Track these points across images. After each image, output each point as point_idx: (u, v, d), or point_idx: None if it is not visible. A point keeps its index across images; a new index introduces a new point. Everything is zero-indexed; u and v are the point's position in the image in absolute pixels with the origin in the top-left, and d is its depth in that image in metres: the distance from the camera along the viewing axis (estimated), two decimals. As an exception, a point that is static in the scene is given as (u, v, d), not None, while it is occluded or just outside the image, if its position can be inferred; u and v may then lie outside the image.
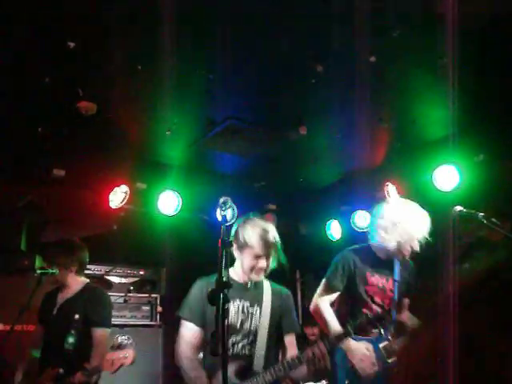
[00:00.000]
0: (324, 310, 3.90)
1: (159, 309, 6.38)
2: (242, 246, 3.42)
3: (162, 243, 6.25)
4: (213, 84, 4.54)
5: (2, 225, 5.79)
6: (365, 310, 3.86)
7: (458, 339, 4.08)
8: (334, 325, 3.81)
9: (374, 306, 3.93)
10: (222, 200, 3.04)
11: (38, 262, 5.64)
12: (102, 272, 6.23)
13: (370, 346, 3.77)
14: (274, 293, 3.48)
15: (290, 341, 3.49)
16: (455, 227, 4.37)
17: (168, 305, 6.43)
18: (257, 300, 3.41)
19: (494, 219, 3.59)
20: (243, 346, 3.27)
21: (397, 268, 4.08)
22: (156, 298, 6.44)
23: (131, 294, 6.30)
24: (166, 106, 4.82)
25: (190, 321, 3.35)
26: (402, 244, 3.91)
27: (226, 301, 2.42)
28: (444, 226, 4.79)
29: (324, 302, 3.93)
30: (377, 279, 4.01)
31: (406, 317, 4.16)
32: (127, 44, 3.99)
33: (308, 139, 5.49)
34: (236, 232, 3.48)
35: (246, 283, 3.45)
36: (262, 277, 3.44)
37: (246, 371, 3.17)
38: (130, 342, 3.96)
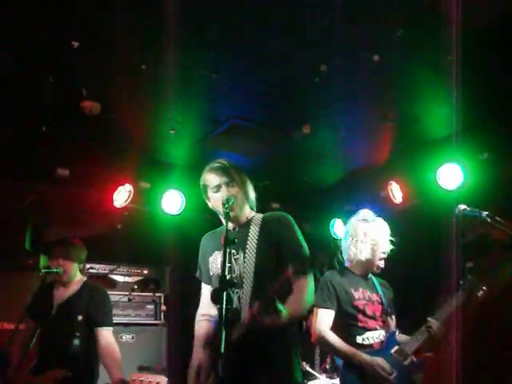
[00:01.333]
0: (327, 337, 3.80)
1: (163, 307, 6.39)
2: (204, 190, 3.30)
3: (166, 242, 6.25)
4: (216, 83, 4.55)
5: (6, 224, 5.80)
6: (360, 324, 3.85)
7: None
8: (342, 346, 3.77)
9: (368, 320, 3.89)
10: (224, 198, 3.04)
11: (42, 261, 5.65)
12: (106, 271, 6.24)
13: (381, 358, 3.72)
14: (263, 228, 3.14)
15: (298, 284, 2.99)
16: (459, 226, 4.37)
17: (172, 303, 6.44)
18: (241, 245, 3.08)
19: (498, 218, 3.58)
20: (238, 298, 3.00)
21: (377, 284, 4.10)
22: (160, 297, 6.45)
23: (135, 293, 6.32)
24: (169, 106, 4.83)
25: (201, 279, 3.39)
26: (372, 253, 3.95)
27: (230, 300, 2.41)
28: (448, 225, 4.79)
29: (324, 328, 3.81)
30: (362, 292, 3.96)
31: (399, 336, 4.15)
32: (131, 43, 3.99)
33: (311, 138, 5.49)
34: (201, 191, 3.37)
35: (233, 229, 3.21)
36: (238, 211, 3.15)
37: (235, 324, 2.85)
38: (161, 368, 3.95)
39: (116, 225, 6.32)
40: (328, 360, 6.31)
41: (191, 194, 6.17)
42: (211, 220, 3.66)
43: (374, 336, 3.88)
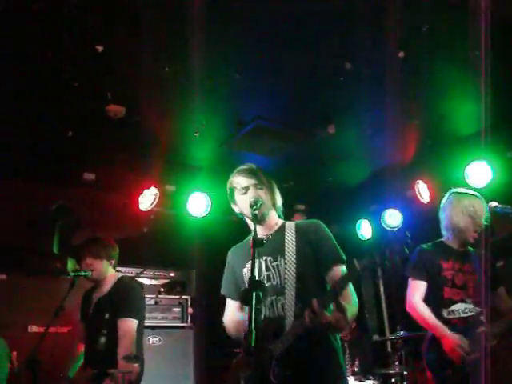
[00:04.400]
0: (418, 307, 4.00)
1: (190, 310, 6.39)
2: (231, 193, 3.22)
3: (192, 245, 6.27)
4: (240, 84, 4.54)
5: (34, 228, 5.86)
6: (446, 296, 3.98)
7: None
8: (428, 318, 3.93)
9: (456, 290, 4.00)
10: (252, 200, 3.01)
11: (70, 265, 5.70)
12: (133, 274, 6.26)
13: (461, 337, 3.80)
14: (298, 232, 3.10)
15: (335, 275, 2.93)
16: (489, 223, 4.33)
17: (198, 306, 6.44)
18: (278, 251, 3.04)
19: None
20: (282, 305, 2.91)
21: (473, 256, 4.16)
22: (187, 300, 6.45)
23: (162, 296, 6.32)
24: (193, 108, 4.83)
25: (228, 296, 3.29)
26: (469, 224, 4.08)
27: (259, 301, 2.37)
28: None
29: (416, 299, 4.02)
30: (451, 263, 4.08)
31: (502, 300, 4.18)
32: (155, 46, 4.00)
33: (337, 138, 5.45)
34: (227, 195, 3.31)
35: (267, 236, 3.10)
36: (265, 212, 3.09)
37: (277, 332, 2.83)
38: (138, 356, 3.93)
39: (142, 228, 6.35)
40: (357, 363, 6.27)
41: (217, 196, 6.17)
42: (237, 222, 3.64)
43: (460, 309, 3.95)
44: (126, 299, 4.23)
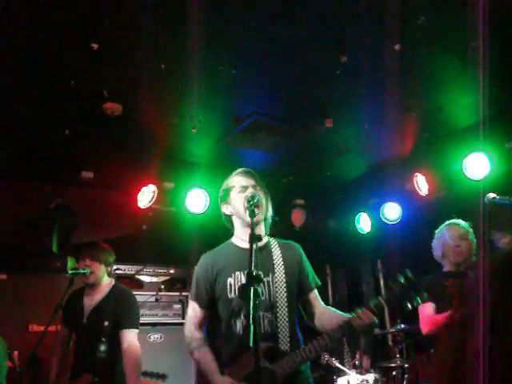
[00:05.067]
0: (434, 316, 4.28)
1: (190, 307, 6.40)
2: (226, 193, 3.22)
3: (191, 241, 6.25)
4: (237, 80, 4.52)
5: (33, 228, 5.86)
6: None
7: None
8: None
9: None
10: (249, 195, 3.00)
11: (69, 264, 5.71)
12: (133, 272, 6.27)
13: None
14: (284, 250, 3.16)
15: (313, 296, 3.18)
16: (488, 215, 4.35)
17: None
18: (268, 266, 3.05)
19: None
20: (269, 322, 2.94)
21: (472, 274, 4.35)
22: (187, 296, 6.45)
23: (162, 293, 6.34)
24: (190, 104, 4.81)
25: (194, 301, 3.21)
26: (443, 250, 4.62)
27: (257, 296, 2.36)
28: (475, 216, 4.73)
29: (430, 312, 4.31)
30: (453, 281, 4.32)
31: None
32: (151, 43, 3.99)
33: (334, 132, 5.44)
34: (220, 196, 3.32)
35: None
36: (260, 214, 3.07)
37: (273, 352, 2.86)
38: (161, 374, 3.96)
39: (141, 225, 6.35)
40: (357, 356, 6.28)
41: (215, 192, 6.14)
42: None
43: None
44: (128, 309, 4.32)
